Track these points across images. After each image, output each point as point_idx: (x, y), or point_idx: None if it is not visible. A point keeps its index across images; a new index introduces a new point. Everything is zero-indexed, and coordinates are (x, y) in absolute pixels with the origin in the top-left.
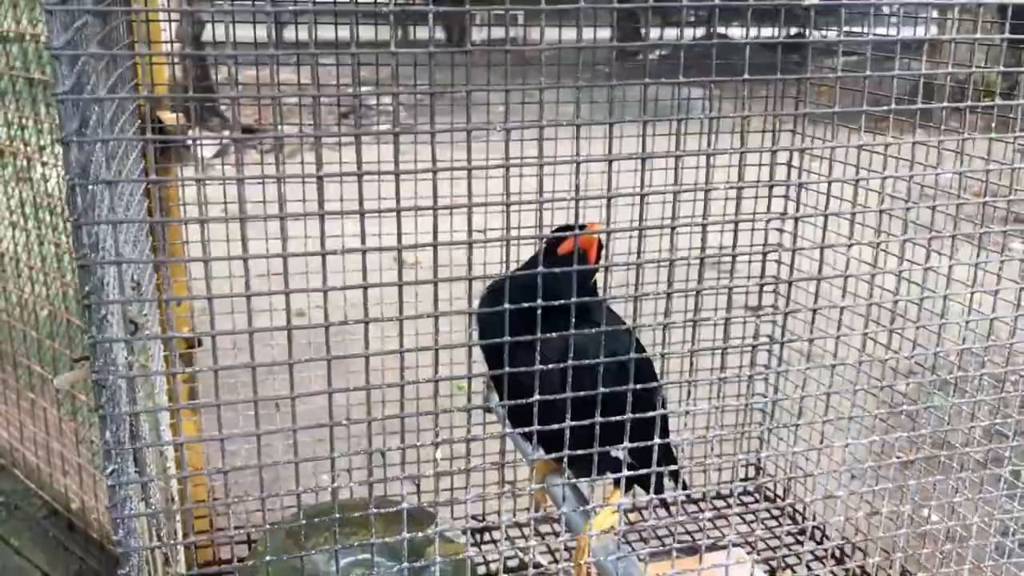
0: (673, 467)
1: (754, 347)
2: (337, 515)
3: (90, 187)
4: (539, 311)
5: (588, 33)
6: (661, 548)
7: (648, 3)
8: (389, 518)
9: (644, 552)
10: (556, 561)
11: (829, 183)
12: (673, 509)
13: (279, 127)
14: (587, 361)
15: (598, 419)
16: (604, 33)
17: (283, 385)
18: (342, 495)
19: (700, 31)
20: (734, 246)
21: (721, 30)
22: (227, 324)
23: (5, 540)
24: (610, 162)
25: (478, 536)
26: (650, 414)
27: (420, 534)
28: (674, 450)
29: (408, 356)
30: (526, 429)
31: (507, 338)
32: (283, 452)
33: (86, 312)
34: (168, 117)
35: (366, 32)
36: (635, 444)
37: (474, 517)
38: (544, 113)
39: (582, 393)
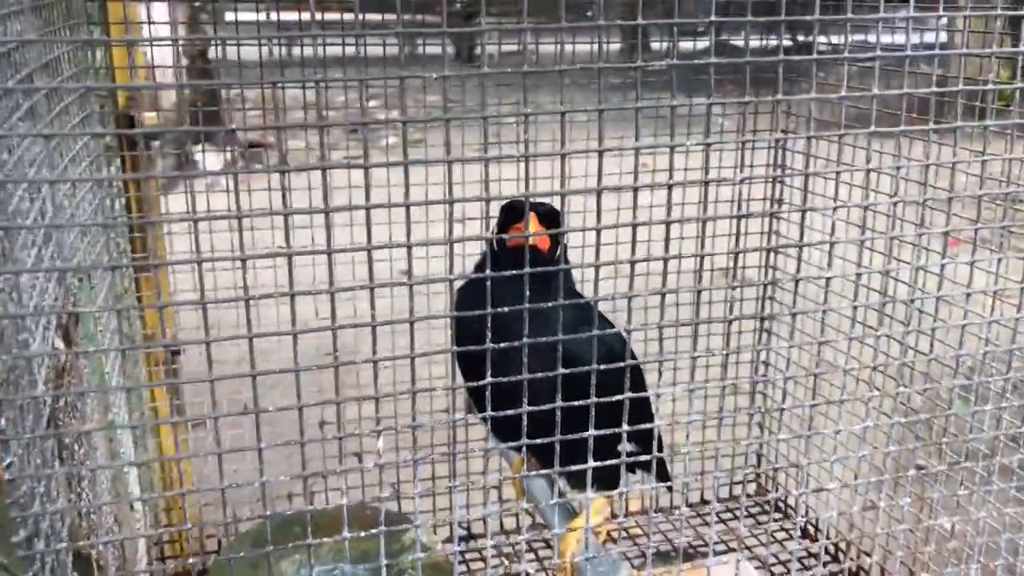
0: (660, 455)
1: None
2: (308, 523)
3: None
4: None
5: (594, 45)
6: (657, 552)
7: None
8: (363, 524)
9: (639, 556)
10: (544, 570)
11: (837, 180)
12: (672, 512)
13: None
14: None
15: (591, 432)
16: (611, 45)
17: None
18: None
19: (703, 43)
20: (736, 257)
21: (727, 40)
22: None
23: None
24: (599, 152)
25: (463, 544)
26: (642, 394)
27: (395, 539)
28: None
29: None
30: (514, 444)
31: (525, 340)
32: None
33: None
34: (150, 117)
35: (374, 49)
36: (633, 427)
37: (460, 524)
38: (556, 130)
39: (576, 403)
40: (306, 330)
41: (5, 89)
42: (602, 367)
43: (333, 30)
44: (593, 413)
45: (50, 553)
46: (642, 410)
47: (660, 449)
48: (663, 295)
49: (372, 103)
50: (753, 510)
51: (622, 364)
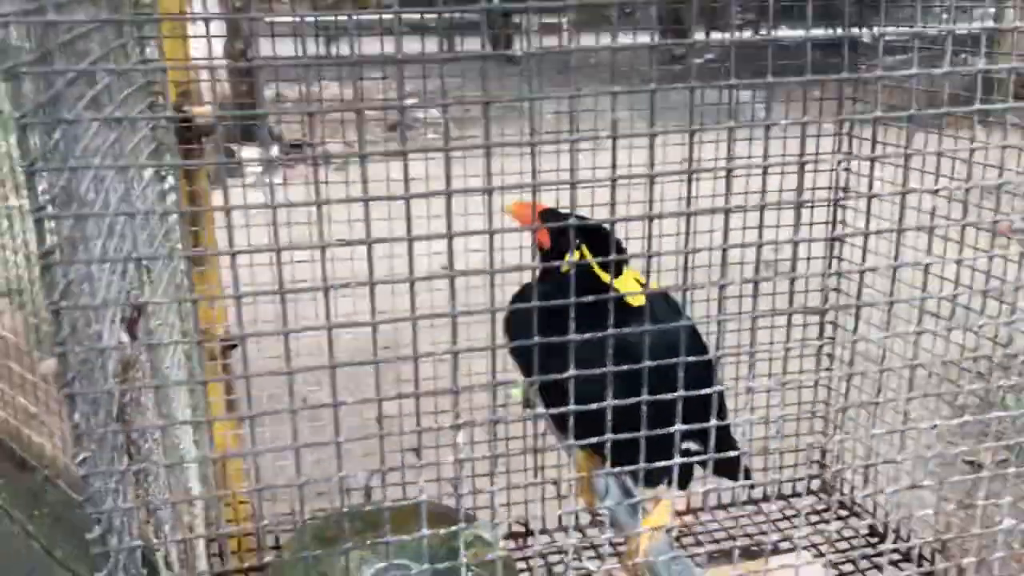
0: (735, 452)
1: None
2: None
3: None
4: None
5: (630, 39)
6: (720, 550)
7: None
8: (428, 522)
9: (701, 553)
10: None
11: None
12: (733, 510)
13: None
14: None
15: (663, 428)
16: (647, 39)
17: (327, 395)
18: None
19: (747, 33)
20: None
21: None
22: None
23: (49, 552)
24: (651, 177)
25: (520, 540)
26: (710, 390)
27: (446, 532)
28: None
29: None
30: (584, 442)
31: (572, 335)
32: (318, 461)
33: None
34: (199, 110)
35: (411, 46)
36: (698, 426)
37: (518, 521)
38: (593, 123)
39: (638, 398)
40: (351, 324)
41: (70, 79)
42: (660, 362)
43: (370, 29)
44: (655, 409)
45: (122, 550)
46: (714, 405)
47: (733, 446)
48: (722, 287)
49: (409, 101)
50: (819, 508)
51: (682, 360)
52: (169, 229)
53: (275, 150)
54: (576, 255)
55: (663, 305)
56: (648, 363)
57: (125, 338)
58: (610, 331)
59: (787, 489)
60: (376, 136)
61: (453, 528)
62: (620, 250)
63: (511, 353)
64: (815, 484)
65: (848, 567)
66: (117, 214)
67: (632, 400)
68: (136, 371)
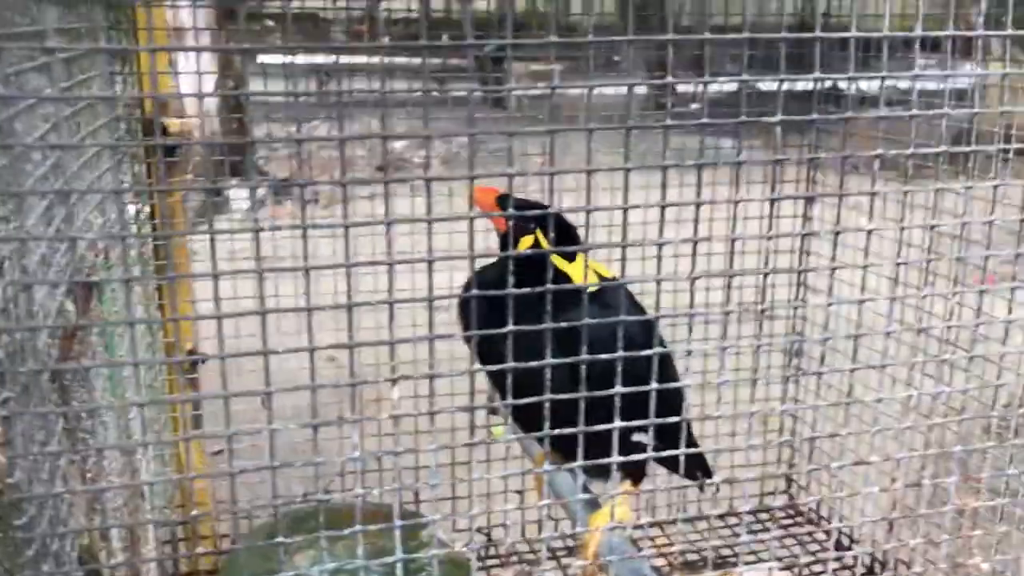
0: (696, 450)
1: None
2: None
3: None
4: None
5: (622, 88)
6: (685, 562)
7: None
8: (378, 522)
9: (665, 565)
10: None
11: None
12: (700, 523)
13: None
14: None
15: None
16: (638, 88)
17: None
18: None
19: (731, 87)
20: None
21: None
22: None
23: None
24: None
25: (483, 551)
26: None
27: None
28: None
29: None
30: (536, 435)
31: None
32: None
33: None
34: (174, 124)
35: (400, 87)
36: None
37: (479, 529)
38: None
39: (600, 393)
40: (323, 346)
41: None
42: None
43: (360, 71)
44: (617, 402)
45: (51, 536)
46: (670, 400)
47: (692, 444)
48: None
49: (398, 145)
50: (785, 521)
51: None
52: (127, 221)
53: (262, 189)
54: (530, 239)
55: (620, 298)
56: (589, 352)
57: (70, 307)
58: (557, 317)
59: (754, 502)
60: (364, 176)
61: (386, 525)
62: (574, 236)
63: (464, 340)
64: (782, 499)
65: None
66: (50, 192)
67: (576, 395)
68: (84, 347)
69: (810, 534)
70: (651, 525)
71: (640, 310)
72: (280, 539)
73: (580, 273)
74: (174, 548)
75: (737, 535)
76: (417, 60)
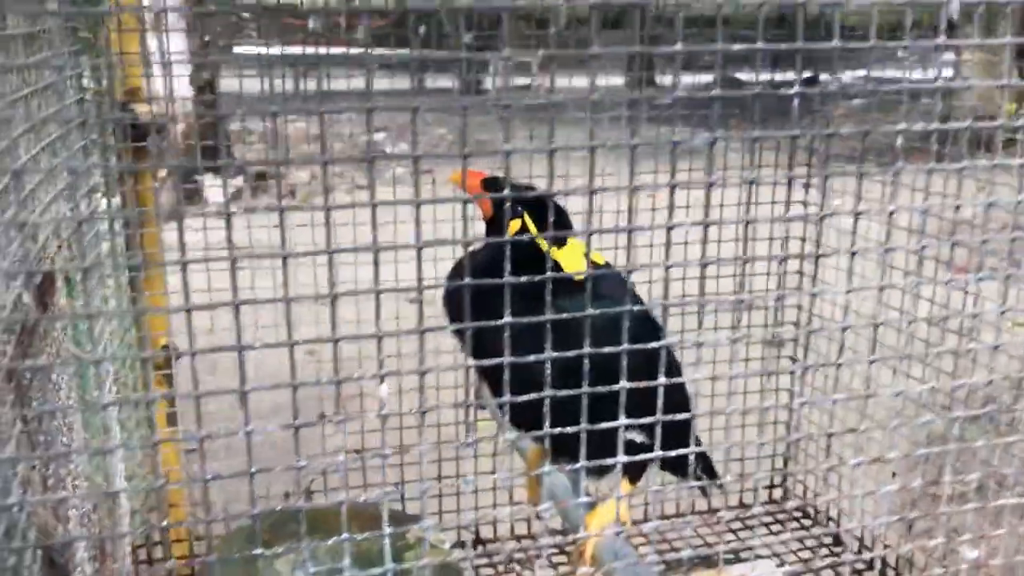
0: (700, 448)
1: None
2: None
3: None
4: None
5: (600, 80)
6: (676, 559)
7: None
8: (363, 522)
9: (658, 562)
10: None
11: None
12: (691, 517)
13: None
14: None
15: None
16: (616, 79)
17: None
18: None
19: (709, 76)
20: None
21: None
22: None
23: None
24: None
25: (474, 548)
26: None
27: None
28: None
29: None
30: (531, 434)
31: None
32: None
33: None
34: (143, 108)
35: (381, 83)
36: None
37: (464, 527)
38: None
39: (600, 390)
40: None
41: None
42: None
43: (340, 63)
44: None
45: (9, 553)
46: (672, 398)
47: (696, 443)
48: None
49: (379, 135)
50: (780, 517)
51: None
52: (97, 213)
53: (240, 180)
54: (518, 223)
55: (615, 285)
56: (581, 344)
57: (27, 299)
58: (551, 304)
59: (748, 498)
60: (343, 168)
61: (373, 533)
62: (564, 221)
63: (452, 333)
64: (776, 494)
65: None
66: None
67: (571, 392)
68: (46, 344)
69: (806, 528)
70: (647, 522)
71: (637, 299)
72: (259, 551)
73: (571, 260)
74: (148, 551)
75: (736, 534)
76: (394, 52)
